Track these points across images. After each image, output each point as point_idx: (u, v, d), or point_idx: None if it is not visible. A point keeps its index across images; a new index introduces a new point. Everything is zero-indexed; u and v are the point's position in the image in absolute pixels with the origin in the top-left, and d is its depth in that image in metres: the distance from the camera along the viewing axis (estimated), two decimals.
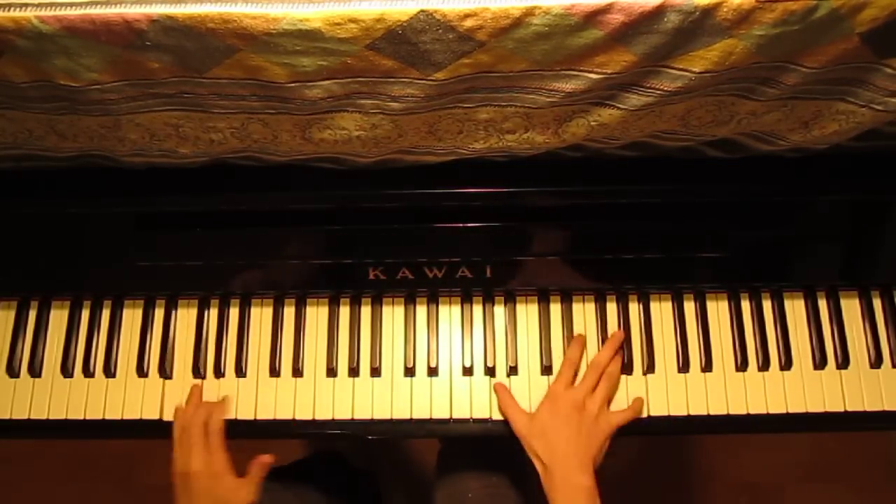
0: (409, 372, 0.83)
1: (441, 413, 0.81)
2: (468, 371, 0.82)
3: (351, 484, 1.05)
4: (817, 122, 0.70)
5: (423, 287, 0.83)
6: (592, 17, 0.53)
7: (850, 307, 0.84)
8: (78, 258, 0.84)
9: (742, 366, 0.82)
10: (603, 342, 0.82)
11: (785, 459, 1.53)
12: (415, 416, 0.81)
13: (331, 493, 0.94)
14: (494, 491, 0.87)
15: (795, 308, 0.84)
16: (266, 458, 0.78)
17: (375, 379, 0.82)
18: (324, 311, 0.85)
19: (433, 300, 0.85)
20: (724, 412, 0.80)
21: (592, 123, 0.67)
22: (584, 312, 0.84)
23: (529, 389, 0.81)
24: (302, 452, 1.16)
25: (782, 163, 0.80)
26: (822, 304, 0.84)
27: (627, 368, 0.82)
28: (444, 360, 0.83)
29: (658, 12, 0.52)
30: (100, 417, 0.82)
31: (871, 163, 0.80)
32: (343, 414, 0.81)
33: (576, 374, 0.80)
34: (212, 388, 0.83)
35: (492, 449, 0.93)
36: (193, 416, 0.78)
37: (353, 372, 0.83)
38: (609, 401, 0.79)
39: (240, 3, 0.52)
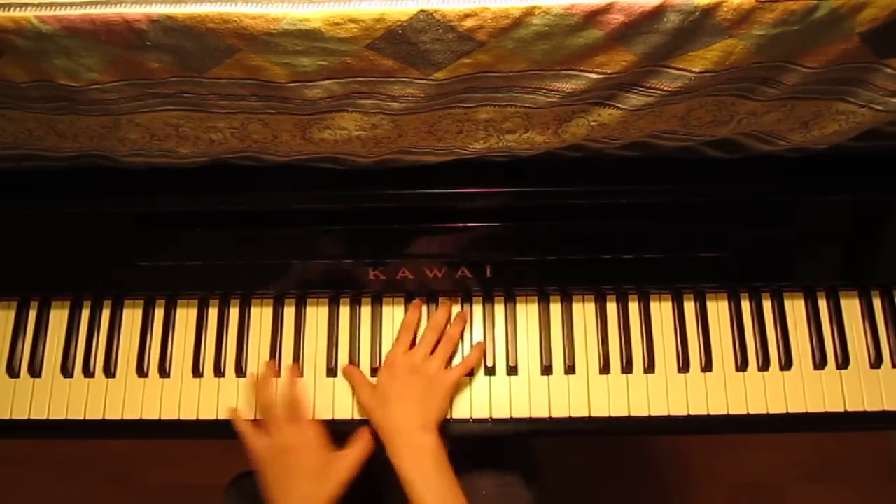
0: None
1: None
2: (468, 371, 0.82)
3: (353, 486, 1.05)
4: (817, 122, 0.70)
5: (423, 287, 0.83)
6: (592, 17, 0.53)
7: (850, 307, 0.84)
8: (78, 258, 0.84)
9: (742, 366, 0.82)
10: (603, 342, 0.82)
11: (785, 459, 1.53)
12: None
13: None
14: (507, 490, 0.87)
15: (795, 308, 0.84)
16: (367, 433, 0.76)
17: (375, 379, 0.82)
18: (324, 311, 0.85)
19: (433, 300, 0.85)
20: (724, 412, 0.80)
21: (592, 123, 0.67)
22: (583, 312, 0.84)
23: (529, 389, 0.81)
24: None
25: (782, 163, 0.80)
26: (822, 304, 0.84)
27: (627, 368, 0.82)
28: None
29: (658, 12, 0.53)
30: (100, 417, 0.82)
31: (871, 163, 0.80)
32: (343, 414, 0.81)
33: (413, 341, 0.81)
34: (212, 388, 0.83)
35: (503, 447, 0.93)
36: (268, 394, 0.78)
37: None
38: (449, 361, 0.80)
39: (240, 3, 0.52)
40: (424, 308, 0.84)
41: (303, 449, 0.74)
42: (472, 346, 0.83)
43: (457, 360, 0.82)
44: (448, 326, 0.82)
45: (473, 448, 0.94)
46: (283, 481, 0.72)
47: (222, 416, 0.81)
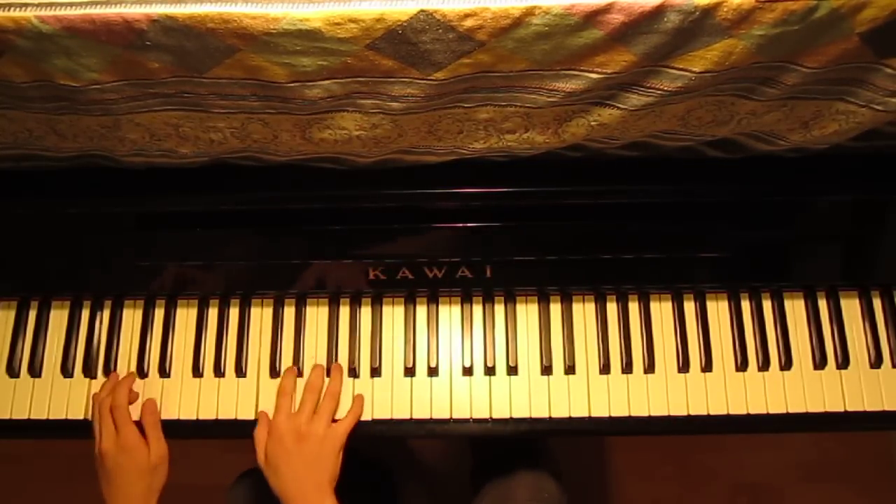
0: (409, 372, 0.83)
1: (441, 413, 0.81)
2: (468, 371, 0.82)
3: (363, 477, 1.05)
4: (817, 122, 0.70)
5: (423, 287, 0.83)
6: (592, 17, 0.53)
7: (850, 307, 0.84)
8: (78, 258, 0.84)
9: (742, 366, 0.82)
10: (603, 342, 0.82)
11: (785, 459, 1.53)
12: (415, 416, 0.81)
13: (338, 490, 0.94)
14: (542, 495, 0.88)
15: (795, 308, 0.84)
16: (150, 404, 0.80)
17: (375, 379, 0.82)
18: (324, 311, 0.85)
19: (433, 300, 0.85)
20: (724, 412, 0.80)
21: (592, 123, 0.67)
22: (584, 312, 0.84)
23: (529, 389, 0.81)
24: None
25: (782, 163, 0.80)
26: (822, 304, 0.84)
27: (628, 368, 0.82)
28: (444, 360, 0.83)
29: (658, 12, 0.52)
30: None
31: (871, 163, 0.80)
32: (343, 414, 0.81)
33: (292, 404, 0.80)
34: (212, 388, 0.83)
35: (539, 458, 0.92)
36: (100, 397, 0.79)
37: (353, 372, 0.83)
38: (334, 414, 0.79)
39: (240, 3, 0.52)
40: (424, 309, 0.84)
41: (122, 450, 0.76)
42: (481, 345, 0.83)
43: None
44: (328, 382, 0.81)
45: (507, 451, 0.94)
46: (109, 483, 0.76)
47: (222, 415, 0.81)
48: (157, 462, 0.76)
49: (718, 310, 0.84)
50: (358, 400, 0.80)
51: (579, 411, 0.80)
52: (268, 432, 0.77)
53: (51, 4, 0.53)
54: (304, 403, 0.79)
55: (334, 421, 0.79)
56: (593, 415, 0.80)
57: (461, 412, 0.81)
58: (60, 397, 0.83)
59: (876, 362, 0.81)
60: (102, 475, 0.76)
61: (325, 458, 0.76)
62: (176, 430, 0.82)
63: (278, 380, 0.82)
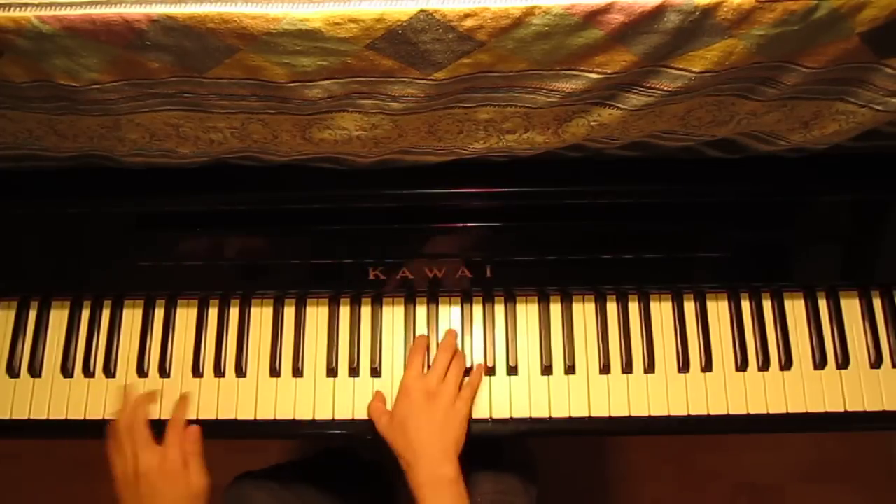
0: None
1: None
2: (468, 371, 0.82)
3: (362, 477, 1.05)
4: (817, 122, 0.70)
5: (423, 287, 0.83)
6: (592, 17, 0.53)
7: (850, 307, 0.84)
8: (78, 258, 0.84)
9: (742, 366, 0.82)
10: (603, 342, 0.82)
11: (785, 459, 1.53)
12: None
13: (338, 489, 0.94)
14: (503, 498, 0.87)
15: (795, 308, 0.84)
16: (194, 431, 0.76)
17: (376, 379, 0.82)
18: (324, 311, 0.85)
19: (433, 300, 0.85)
20: (724, 412, 0.80)
21: (592, 123, 0.67)
22: (584, 312, 0.84)
23: (529, 389, 0.81)
24: (306, 451, 1.16)
25: (782, 163, 0.80)
26: (822, 304, 0.84)
27: (628, 368, 0.82)
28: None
29: (658, 12, 0.52)
30: (100, 417, 0.82)
31: (871, 163, 0.80)
32: (343, 414, 0.81)
33: (424, 364, 0.80)
34: (212, 388, 0.83)
35: (503, 447, 0.92)
36: (135, 414, 0.76)
37: (354, 372, 0.83)
38: (461, 379, 0.79)
39: (240, 3, 0.52)
40: (424, 309, 0.84)
41: (165, 473, 0.72)
42: (481, 345, 0.83)
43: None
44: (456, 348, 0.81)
45: (471, 448, 0.94)
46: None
47: (222, 416, 0.81)
48: (199, 493, 0.72)
49: (718, 310, 0.84)
50: (476, 370, 0.80)
51: (579, 411, 0.80)
52: (399, 390, 0.77)
53: (51, 4, 0.53)
54: (437, 363, 0.78)
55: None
56: (593, 415, 0.80)
57: None
58: (60, 397, 0.83)
59: (876, 362, 0.81)
60: (132, 499, 0.71)
61: (452, 421, 0.75)
62: None
63: (278, 379, 0.82)
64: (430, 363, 0.80)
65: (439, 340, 0.83)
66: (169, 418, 0.79)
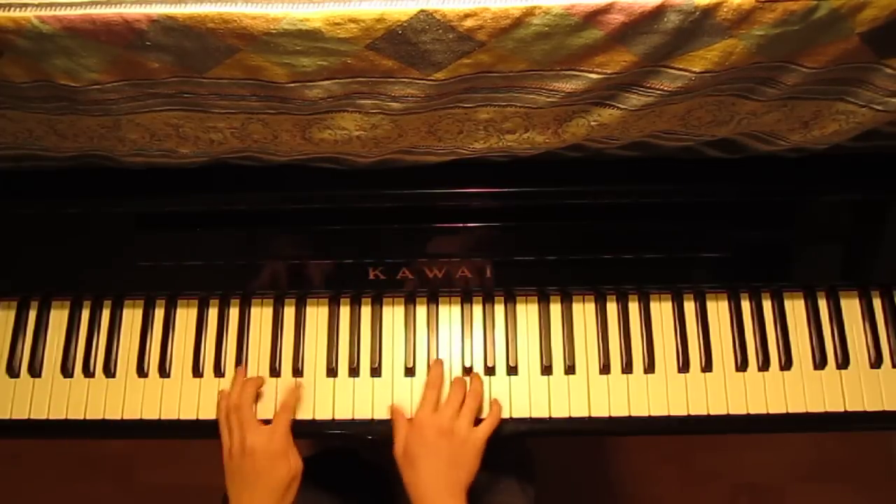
0: (410, 372, 0.83)
1: None
2: (468, 371, 0.82)
3: (362, 478, 1.05)
4: (817, 122, 0.70)
5: (423, 287, 0.83)
6: (592, 17, 0.53)
7: (850, 307, 0.84)
8: (78, 258, 0.84)
9: (742, 366, 0.82)
10: (603, 342, 0.82)
11: (785, 459, 1.53)
12: None
13: (338, 489, 0.94)
14: (500, 498, 0.87)
15: (795, 308, 0.84)
16: (289, 399, 0.77)
17: (376, 379, 0.82)
18: (324, 311, 0.85)
19: (433, 300, 0.85)
20: (724, 412, 0.80)
21: (592, 123, 0.67)
22: (584, 312, 0.84)
23: (529, 389, 0.81)
24: (306, 451, 1.16)
25: (782, 163, 0.80)
26: (822, 304, 0.84)
27: (628, 368, 0.82)
28: (445, 359, 0.83)
29: (658, 12, 0.53)
30: (100, 417, 0.82)
31: (871, 163, 0.80)
32: (343, 414, 0.81)
33: (439, 398, 0.79)
34: (212, 388, 0.83)
35: (500, 450, 0.92)
36: (242, 395, 0.78)
37: (354, 372, 0.83)
38: (476, 415, 0.78)
39: (240, 3, 0.52)
40: (424, 309, 0.84)
41: (271, 454, 0.73)
42: (481, 345, 0.83)
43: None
44: (470, 381, 0.80)
45: None
46: (245, 485, 0.73)
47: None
48: (297, 475, 0.74)
49: (718, 310, 0.84)
50: (495, 405, 0.79)
51: (579, 411, 0.80)
52: (412, 425, 0.76)
53: (51, 4, 0.53)
54: (450, 399, 0.77)
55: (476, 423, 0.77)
56: (593, 415, 0.80)
57: None
58: (60, 397, 0.83)
59: (876, 362, 0.81)
60: (236, 473, 0.74)
61: (465, 458, 0.74)
62: (176, 431, 0.82)
63: (278, 379, 0.82)
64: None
65: (439, 341, 0.83)
66: (170, 418, 0.79)
